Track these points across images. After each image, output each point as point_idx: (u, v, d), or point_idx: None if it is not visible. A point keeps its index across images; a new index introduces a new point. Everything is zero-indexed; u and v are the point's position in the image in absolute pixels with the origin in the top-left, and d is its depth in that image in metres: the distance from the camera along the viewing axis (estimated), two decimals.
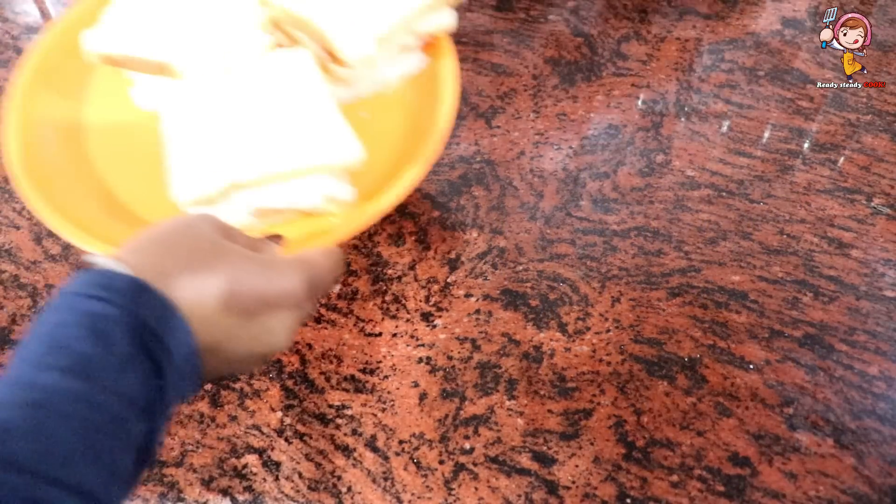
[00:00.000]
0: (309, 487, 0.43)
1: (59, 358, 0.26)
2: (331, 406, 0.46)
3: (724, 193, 0.58)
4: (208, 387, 0.48)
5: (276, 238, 0.40)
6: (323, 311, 0.50)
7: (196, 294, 0.30)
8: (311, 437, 0.45)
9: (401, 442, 0.44)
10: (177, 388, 0.30)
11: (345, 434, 0.45)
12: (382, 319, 0.51)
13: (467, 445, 0.44)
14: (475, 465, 0.43)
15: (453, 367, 0.48)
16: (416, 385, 0.47)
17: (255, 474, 0.43)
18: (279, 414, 0.46)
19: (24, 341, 0.27)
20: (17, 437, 0.23)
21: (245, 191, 0.45)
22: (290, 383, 0.48)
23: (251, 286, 0.32)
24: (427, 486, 0.42)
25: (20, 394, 0.25)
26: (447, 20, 0.56)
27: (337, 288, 0.52)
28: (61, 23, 0.58)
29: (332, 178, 0.47)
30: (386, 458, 0.44)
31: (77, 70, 0.57)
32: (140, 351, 0.28)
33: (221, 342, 0.32)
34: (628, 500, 0.41)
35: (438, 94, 0.53)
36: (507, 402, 0.46)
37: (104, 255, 0.30)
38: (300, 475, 0.43)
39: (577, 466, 0.43)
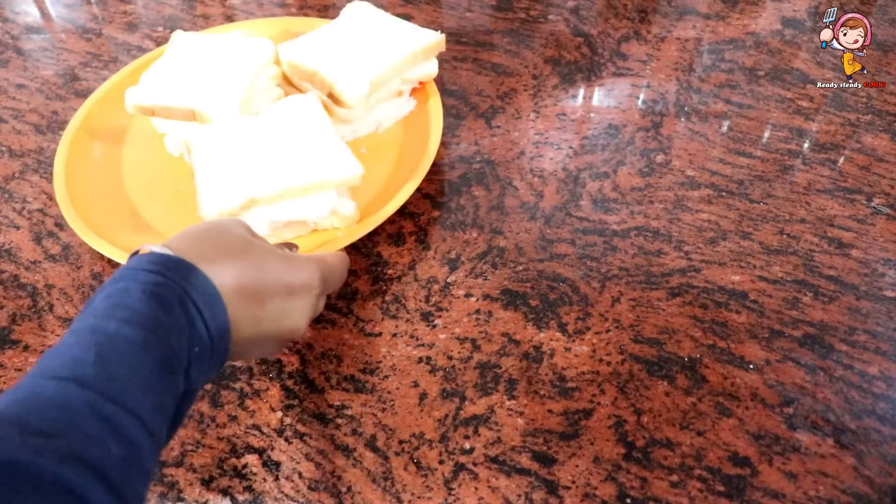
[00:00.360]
0: (309, 487, 0.43)
1: (120, 312, 0.31)
2: (331, 406, 0.46)
3: (724, 193, 0.58)
4: (208, 387, 0.48)
5: (290, 246, 0.47)
6: (323, 311, 0.50)
7: (230, 278, 0.35)
8: (311, 437, 0.45)
9: (401, 442, 0.44)
10: (210, 359, 0.34)
11: (345, 434, 0.45)
12: (382, 319, 0.51)
13: (467, 445, 0.44)
14: (475, 465, 0.43)
15: (453, 367, 0.48)
16: (416, 385, 0.47)
17: (255, 474, 0.43)
18: (279, 414, 0.46)
19: (88, 304, 0.32)
20: (87, 366, 0.28)
21: (262, 206, 0.52)
22: (290, 383, 0.48)
23: (276, 274, 0.38)
24: (427, 486, 0.42)
25: (87, 337, 0.30)
26: (432, 68, 0.65)
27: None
28: (106, 86, 0.68)
29: (337, 193, 0.54)
30: (386, 458, 0.44)
31: (117, 123, 0.67)
32: (185, 319, 0.33)
33: (249, 322, 0.37)
34: (628, 500, 0.41)
35: (427, 130, 0.61)
36: (507, 402, 0.46)
37: (156, 244, 0.35)
38: (300, 475, 0.43)
39: (577, 466, 0.43)
